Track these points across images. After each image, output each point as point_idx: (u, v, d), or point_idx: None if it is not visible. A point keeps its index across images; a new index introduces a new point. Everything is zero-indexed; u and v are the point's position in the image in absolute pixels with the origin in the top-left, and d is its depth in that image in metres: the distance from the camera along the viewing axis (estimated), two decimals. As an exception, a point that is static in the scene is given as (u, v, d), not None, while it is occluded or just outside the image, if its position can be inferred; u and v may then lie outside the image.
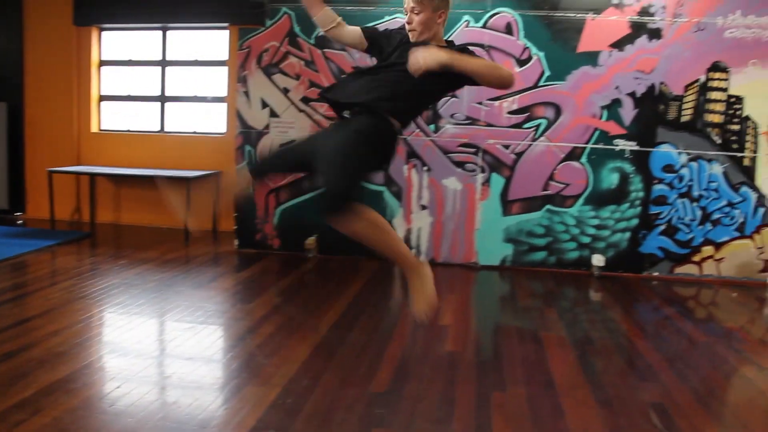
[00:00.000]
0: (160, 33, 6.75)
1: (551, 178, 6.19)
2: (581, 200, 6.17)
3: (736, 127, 5.96)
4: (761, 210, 6.03)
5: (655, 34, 5.91)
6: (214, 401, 2.77)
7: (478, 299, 5.42)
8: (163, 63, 6.87)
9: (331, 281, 5.06)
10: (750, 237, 6.08)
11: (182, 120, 7.01)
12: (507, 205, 6.25)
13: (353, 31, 2.79)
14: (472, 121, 6.21)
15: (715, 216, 6.03)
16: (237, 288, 4.82)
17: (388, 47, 2.63)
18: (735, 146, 6.02)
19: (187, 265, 5.41)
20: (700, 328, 4.66)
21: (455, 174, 6.29)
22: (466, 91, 6.06)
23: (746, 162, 6.02)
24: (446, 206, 6.34)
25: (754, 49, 5.90)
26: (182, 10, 7.22)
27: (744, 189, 6.03)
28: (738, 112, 5.98)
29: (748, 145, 6.00)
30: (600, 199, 6.13)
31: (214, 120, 7.48)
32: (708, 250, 6.09)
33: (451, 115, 6.18)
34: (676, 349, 4.13)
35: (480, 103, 6.17)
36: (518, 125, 6.18)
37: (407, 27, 2.60)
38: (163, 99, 6.90)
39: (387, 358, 3.40)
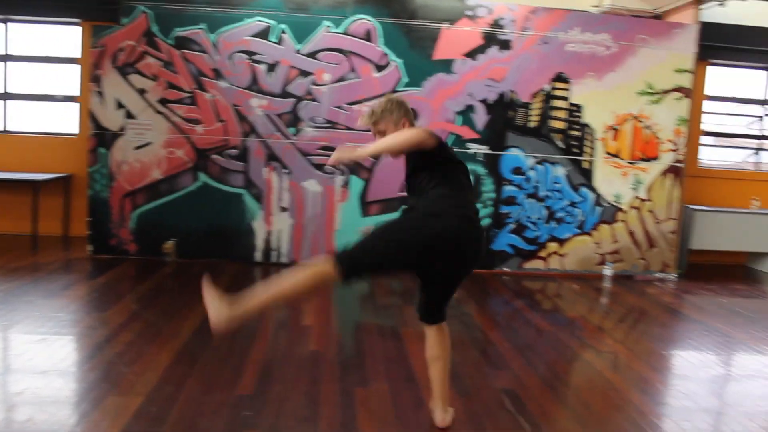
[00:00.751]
0: (1, 25, 6.52)
1: (408, 180, 6.45)
2: (436, 202, 6.49)
3: (576, 133, 6.70)
4: (598, 209, 6.82)
5: (505, 45, 6.51)
6: (72, 415, 2.72)
7: (339, 299, 5.33)
8: (5, 58, 6.67)
9: (191, 285, 4.98)
10: (589, 233, 6.84)
11: (29, 119, 6.85)
12: (366, 206, 6.63)
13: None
14: (331, 124, 6.50)
15: (559, 215, 6.74)
16: (92, 296, 4.74)
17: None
18: (576, 150, 6.73)
19: (36, 273, 5.26)
20: (547, 319, 5.22)
21: (315, 176, 6.55)
22: (326, 95, 6.40)
23: (585, 165, 6.76)
24: (306, 208, 6.61)
25: (590, 63, 6.67)
26: (27, 1, 7.03)
27: (584, 190, 6.79)
28: (578, 120, 6.68)
29: (587, 149, 6.75)
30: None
31: (66, 120, 7.31)
32: (553, 246, 6.79)
33: (311, 119, 6.44)
34: (525, 339, 4.59)
35: (339, 107, 6.46)
36: (376, 129, 6.36)
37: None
38: (5, 96, 6.70)
39: (251, 360, 3.53)
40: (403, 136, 2.48)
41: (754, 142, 8.47)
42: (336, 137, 6.42)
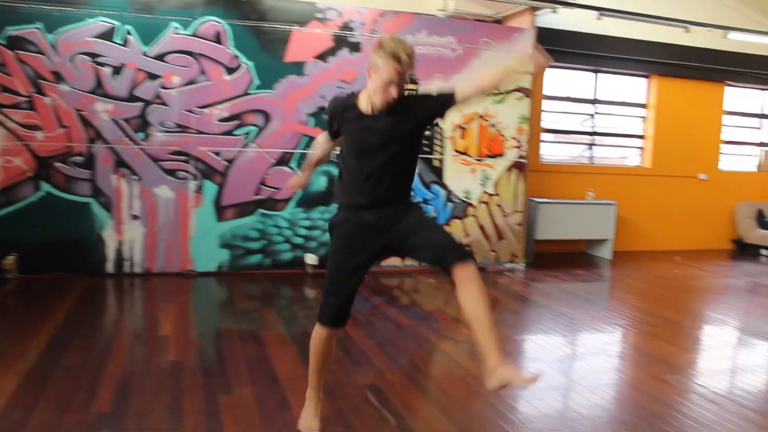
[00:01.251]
0: None
1: (263, 183, 6.69)
2: (293, 203, 6.80)
3: (427, 132, 7.08)
4: (450, 205, 7.26)
5: (356, 47, 6.77)
6: None
7: (197, 306, 5.45)
8: None
9: (36, 302, 4.90)
10: None
11: None
12: (221, 210, 6.63)
13: (326, 144, 2.85)
14: (182, 128, 6.44)
15: None
16: None
17: (341, 121, 2.62)
18: (426, 149, 7.10)
19: None
20: (405, 313, 5.44)
21: (167, 182, 6.45)
22: (176, 99, 6.34)
23: (436, 163, 7.17)
24: (159, 215, 6.50)
25: (438, 65, 7.07)
26: None
27: (435, 187, 7.20)
28: None
29: (437, 148, 7.16)
30: (310, 201, 6.83)
31: None
32: (408, 243, 7.09)
33: (161, 123, 6.35)
34: (385, 335, 4.75)
35: (190, 111, 6.42)
36: (229, 132, 6.56)
37: (392, 98, 2.51)
38: None
39: (107, 376, 3.42)
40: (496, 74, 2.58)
41: (587, 138, 9.14)
42: (187, 141, 6.38)
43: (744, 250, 9.94)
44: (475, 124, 7.06)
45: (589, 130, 9.24)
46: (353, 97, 2.56)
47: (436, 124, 7.11)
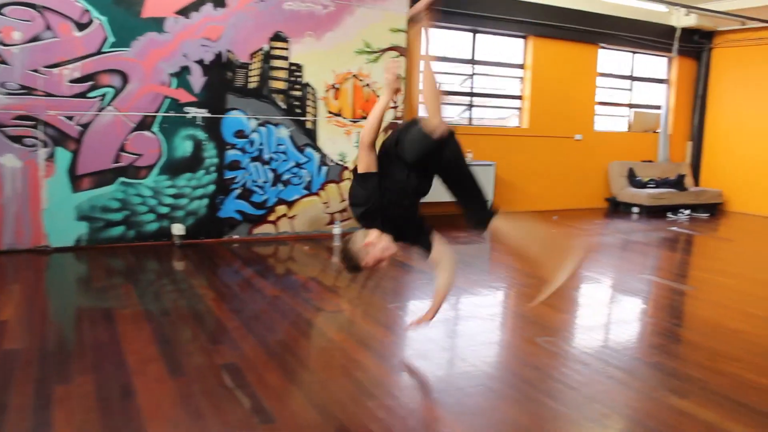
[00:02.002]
0: None
1: (123, 149, 6.36)
2: (156, 170, 6.50)
3: (298, 93, 6.98)
4: (324, 168, 7.20)
5: (220, 2, 6.52)
6: None
7: (50, 286, 5.01)
8: None
9: None
10: (317, 194, 7.22)
11: None
12: (76, 180, 6.25)
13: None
14: (28, 90, 5.96)
15: (286, 177, 7.01)
16: None
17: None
18: (298, 111, 7.01)
19: None
20: (277, 285, 5.27)
21: (12, 150, 6.00)
22: (18, 57, 5.85)
23: (309, 125, 7.08)
24: (5, 187, 6.02)
25: (309, 22, 6.92)
26: None
27: (308, 150, 7.12)
28: (299, 79, 6.96)
29: (309, 109, 7.07)
30: (175, 167, 6.56)
31: None
32: (281, 209, 7.05)
33: (2, 84, 5.82)
34: (253, 309, 4.56)
35: (36, 71, 5.94)
36: (82, 94, 6.15)
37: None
38: None
39: None
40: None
41: (466, 99, 9.28)
42: (34, 105, 5.91)
43: (617, 208, 10.46)
44: (349, 84, 7.03)
45: (468, 90, 9.17)
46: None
47: (308, 85, 7.04)
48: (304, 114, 6.79)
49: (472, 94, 9.29)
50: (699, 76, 11.34)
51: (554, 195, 10.01)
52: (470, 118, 9.25)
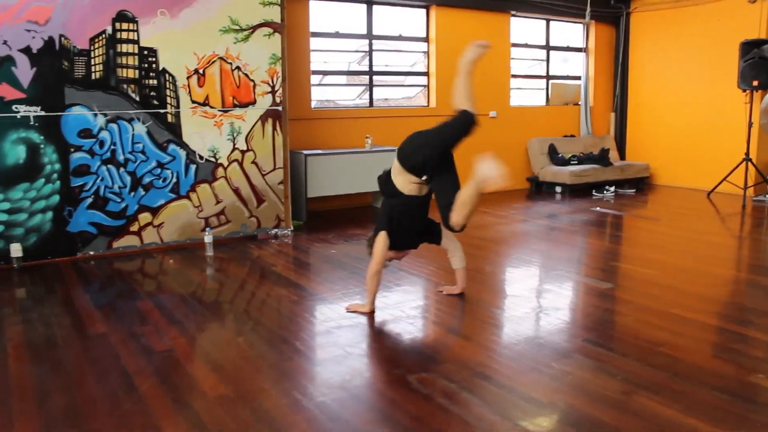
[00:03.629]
0: None
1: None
2: (-19, 182, 5.25)
3: (153, 82, 5.93)
4: (193, 167, 6.18)
5: (48, -23, 5.35)
6: None
7: None
8: None
9: None
10: (186, 197, 6.21)
11: None
12: None
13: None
14: None
15: (147, 180, 6.01)
16: None
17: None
18: (156, 102, 6.03)
19: None
20: (112, 316, 4.53)
21: None
22: None
23: (170, 118, 6.06)
24: None
25: (159, -2, 5.71)
26: None
27: (172, 147, 6.13)
28: (153, 66, 5.90)
29: (169, 100, 6.04)
30: (7, 178, 5.63)
31: None
32: (145, 217, 6.12)
33: None
34: (60, 357, 3.79)
35: None
36: None
37: None
38: None
39: None
40: None
41: (364, 79, 8.60)
42: None
43: (539, 189, 9.95)
44: (215, 69, 6.10)
45: (366, 69, 8.51)
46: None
47: (165, 71, 6.31)
48: (163, 106, 5.86)
49: (371, 73, 8.41)
50: (618, 43, 10.91)
51: (470, 177, 8.87)
52: (371, 100, 8.23)
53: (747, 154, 8.78)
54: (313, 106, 8.03)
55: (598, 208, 8.30)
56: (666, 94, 10.11)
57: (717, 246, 6.14)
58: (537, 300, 4.71)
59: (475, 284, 4.95)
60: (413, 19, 8.85)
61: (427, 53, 8.98)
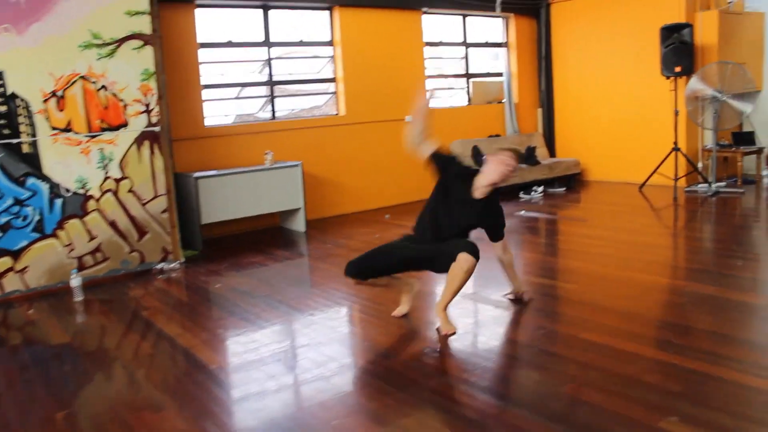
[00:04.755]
0: None
1: None
2: None
3: (2, 109, 5.20)
4: (58, 202, 5.49)
5: None
6: None
7: None
8: None
9: None
10: (53, 235, 5.57)
11: None
12: None
13: (422, 147, 4.02)
14: None
15: (3, 219, 5.30)
16: None
17: (450, 174, 4.04)
18: (7, 131, 5.47)
19: None
20: (24, 357, 4.01)
21: None
22: None
23: (26, 149, 5.44)
24: None
25: (2, 13, 5.33)
26: None
27: (31, 181, 5.53)
28: (1, 90, 5.16)
29: (23, 128, 5.32)
30: None
31: None
32: (5, 262, 5.50)
33: None
34: None
35: None
36: None
37: (506, 177, 3.96)
38: None
39: None
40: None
41: (265, 90, 8.14)
42: None
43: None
44: (77, 89, 5.63)
45: (265, 80, 8.00)
46: (470, 174, 4.03)
47: (16, 96, 5.69)
48: (16, 135, 5.29)
49: (271, 83, 7.96)
50: (540, 36, 10.54)
51: (388, 189, 8.85)
52: (273, 112, 7.84)
53: (675, 143, 8.49)
54: (206, 124, 7.38)
55: (523, 212, 7.90)
56: (592, 85, 9.80)
57: (644, 247, 5.78)
58: (412, 330, 4.15)
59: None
60: (316, 23, 8.33)
61: (333, 58, 8.40)
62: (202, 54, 7.39)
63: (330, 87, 8.56)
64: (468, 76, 9.85)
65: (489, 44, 10.22)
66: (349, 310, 4.65)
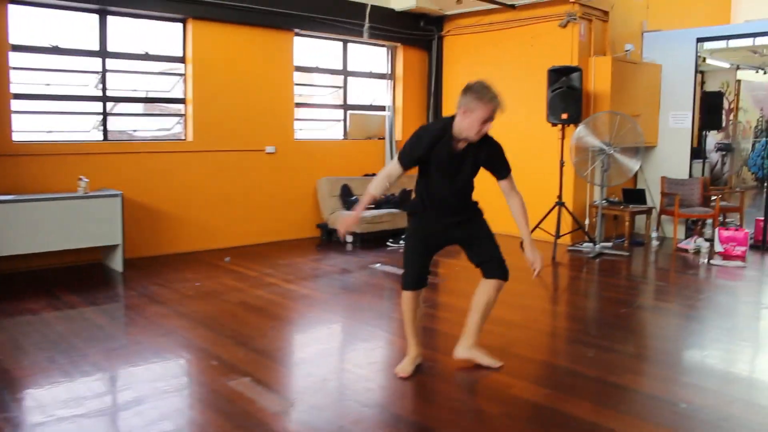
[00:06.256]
0: None
1: None
2: None
3: None
4: None
5: None
6: None
7: None
8: None
9: None
10: None
11: None
12: None
13: (399, 177, 3.81)
14: None
15: None
16: None
17: (427, 150, 3.62)
18: None
19: None
20: None
21: None
22: None
23: None
24: None
25: None
26: None
27: None
28: None
29: None
30: None
31: None
32: None
33: None
34: None
35: None
36: None
37: (478, 136, 3.62)
38: None
39: None
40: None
41: (97, 106, 7.28)
42: None
43: (331, 237, 8.70)
44: None
45: (100, 95, 7.15)
46: (444, 129, 3.57)
47: None
48: None
49: (105, 99, 7.11)
50: (431, 70, 10.00)
51: (237, 227, 8.00)
52: (105, 132, 7.15)
53: (560, 197, 8.00)
54: (15, 140, 6.53)
55: (378, 265, 7.15)
56: None
57: (492, 325, 4.54)
58: None
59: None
60: (166, 35, 7.52)
61: (183, 76, 7.68)
62: (16, 58, 6.54)
63: (179, 108, 7.74)
64: (346, 107, 8.97)
65: (372, 75, 9.56)
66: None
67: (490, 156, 3.62)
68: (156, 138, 7.69)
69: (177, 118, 7.69)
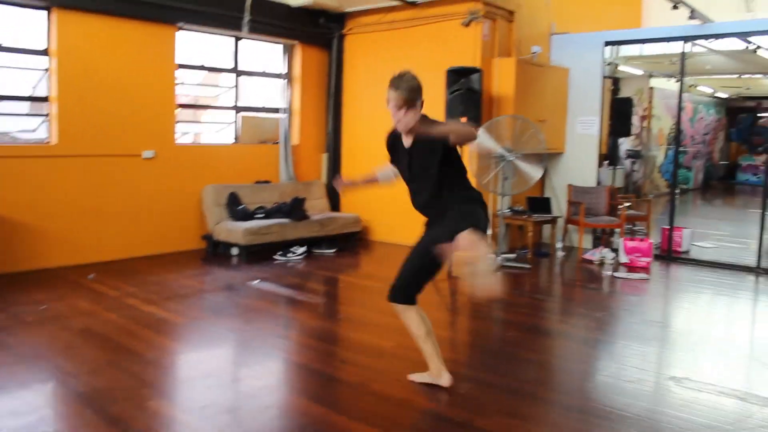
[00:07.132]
0: None
1: None
2: None
3: None
4: None
5: None
6: None
7: None
8: None
9: None
10: None
11: None
12: None
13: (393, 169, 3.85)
14: None
15: None
16: None
17: (389, 151, 3.87)
18: None
19: None
20: None
21: None
22: None
23: None
24: None
25: None
26: None
27: None
28: None
29: None
30: None
31: None
32: None
33: None
34: None
35: None
36: None
37: (404, 126, 3.56)
38: None
39: None
40: (468, 129, 3.33)
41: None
42: None
43: (216, 249, 8.15)
44: None
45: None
46: (395, 128, 3.59)
47: None
48: None
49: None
50: (331, 71, 9.55)
51: (107, 240, 7.21)
52: None
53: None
54: None
55: (257, 282, 6.65)
56: (380, 131, 8.48)
57: (371, 357, 4.38)
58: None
59: None
60: (28, 24, 6.83)
61: (47, 71, 6.98)
62: None
63: (42, 107, 7.06)
64: (237, 109, 8.42)
65: (267, 74, 9.09)
66: None
67: (428, 132, 3.36)
68: (14, 140, 7.04)
69: (42, 119, 6.92)
